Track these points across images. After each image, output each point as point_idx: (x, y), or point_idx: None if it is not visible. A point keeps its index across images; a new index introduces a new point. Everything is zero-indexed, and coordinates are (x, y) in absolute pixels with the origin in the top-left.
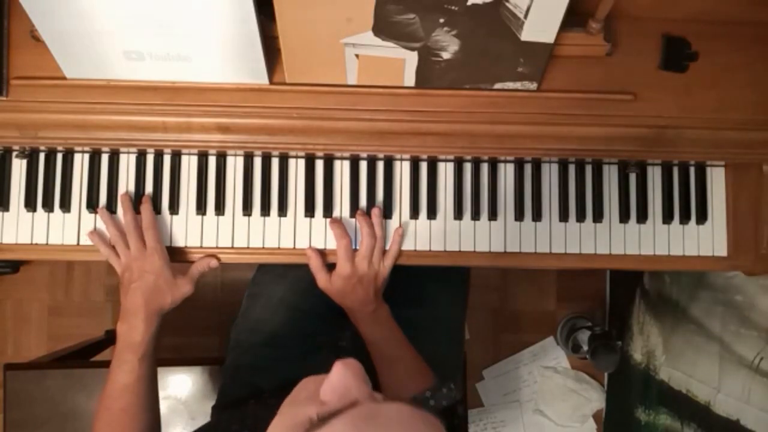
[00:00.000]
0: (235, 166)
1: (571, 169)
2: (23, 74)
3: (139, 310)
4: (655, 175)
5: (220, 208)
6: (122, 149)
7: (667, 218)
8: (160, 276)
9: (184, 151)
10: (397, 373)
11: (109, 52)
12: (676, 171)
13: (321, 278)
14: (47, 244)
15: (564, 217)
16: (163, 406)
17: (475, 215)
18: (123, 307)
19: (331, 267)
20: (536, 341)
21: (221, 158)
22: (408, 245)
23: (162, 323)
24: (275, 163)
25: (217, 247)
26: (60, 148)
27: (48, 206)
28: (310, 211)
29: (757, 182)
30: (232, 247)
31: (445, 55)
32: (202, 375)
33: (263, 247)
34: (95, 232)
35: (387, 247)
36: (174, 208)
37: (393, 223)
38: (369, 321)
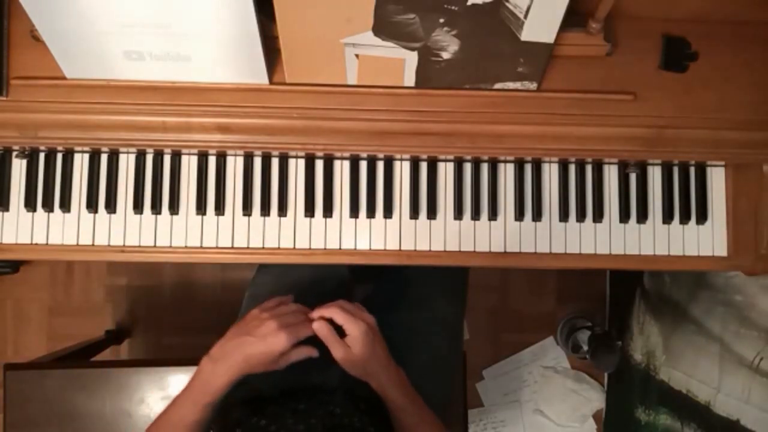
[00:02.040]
0: (235, 166)
1: (572, 168)
2: (23, 74)
3: (233, 362)
4: (655, 175)
5: (220, 208)
6: (122, 149)
7: (667, 218)
8: (271, 352)
9: (184, 151)
10: None
11: (109, 52)
12: (676, 171)
13: (339, 349)
14: (47, 244)
15: (564, 217)
16: (163, 406)
17: (475, 215)
18: (223, 345)
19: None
20: (536, 341)
21: (221, 158)
22: (408, 245)
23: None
24: (275, 163)
25: (217, 247)
26: (60, 148)
27: (48, 206)
28: (309, 211)
29: (757, 182)
30: (232, 247)
31: (445, 55)
32: None
33: (263, 247)
34: None
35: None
36: (174, 208)
37: (393, 223)
38: (396, 383)
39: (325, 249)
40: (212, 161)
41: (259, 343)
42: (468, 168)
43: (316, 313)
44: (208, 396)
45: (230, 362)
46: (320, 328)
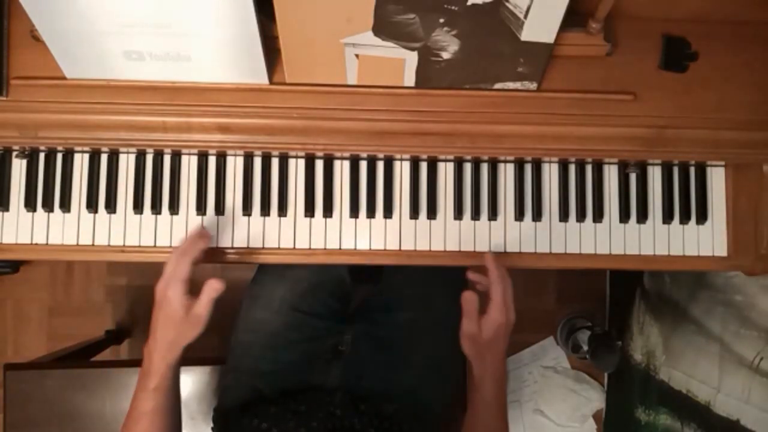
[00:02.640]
0: (235, 166)
1: (572, 168)
2: (23, 74)
3: (156, 339)
4: (655, 175)
5: (219, 209)
6: (122, 149)
7: (667, 218)
8: (172, 312)
9: (184, 151)
10: None
11: (109, 52)
12: (676, 171)
13: (470, 326)
14: (47, 244)
15: (564, 217)
16: None
17: (475, 215)
18: (150, 326)
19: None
20: (536, 341)
21: (221, 158)
22: (408, 245)
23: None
24: (275, 163)
25: (216, 248)
26: (60, 148)
27: (48, 206)
28: (309, 211)
29: (757, 182)
30: (232, 247)
31: (445, 55)
32: (202, 375)
33: (263, 248)
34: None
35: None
36: (174, 208)
37: (393, 223)
38: (497, 378)
39: (325, 249)
40: (212, 161)
41: (158, 310)
42: (468, 168)
43: (490, 265)
44: (151, 380)
45: (154, 339)
46: (469, 301)
